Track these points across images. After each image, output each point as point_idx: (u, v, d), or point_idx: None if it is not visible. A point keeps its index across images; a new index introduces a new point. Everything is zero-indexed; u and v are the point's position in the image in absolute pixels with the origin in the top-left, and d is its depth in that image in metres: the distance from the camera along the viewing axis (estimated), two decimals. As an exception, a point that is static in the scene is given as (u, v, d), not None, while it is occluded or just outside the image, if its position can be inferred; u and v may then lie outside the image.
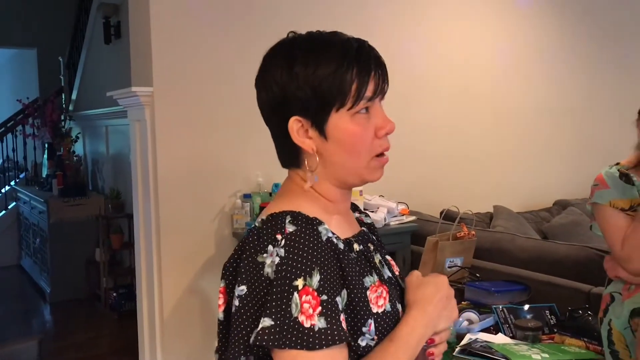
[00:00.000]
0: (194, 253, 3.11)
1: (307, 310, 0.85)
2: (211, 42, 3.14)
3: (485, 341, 2.26)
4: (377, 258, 1.05)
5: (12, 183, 7.23)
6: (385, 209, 3.22)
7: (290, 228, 0.90)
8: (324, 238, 0.91)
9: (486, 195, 4.26)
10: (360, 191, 3.11)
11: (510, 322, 2.43)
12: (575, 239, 3.48)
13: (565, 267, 2.70)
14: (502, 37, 4.46)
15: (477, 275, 2.84)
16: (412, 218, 3.34)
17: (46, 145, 6.22)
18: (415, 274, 1.05)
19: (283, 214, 0.93)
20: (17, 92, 7.70)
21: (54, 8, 7.58)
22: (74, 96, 6.53)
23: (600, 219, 1.95)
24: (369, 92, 0.95)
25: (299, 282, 0.86)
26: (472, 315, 2.54)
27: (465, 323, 2.50)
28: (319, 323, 0.85)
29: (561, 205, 4.48)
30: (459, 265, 2.89)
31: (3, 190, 7.08)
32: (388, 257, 1.11)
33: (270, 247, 0.89)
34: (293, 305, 0.85)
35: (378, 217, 3.14)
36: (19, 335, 4.40)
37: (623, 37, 5.24)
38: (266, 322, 0.85)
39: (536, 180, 4.66)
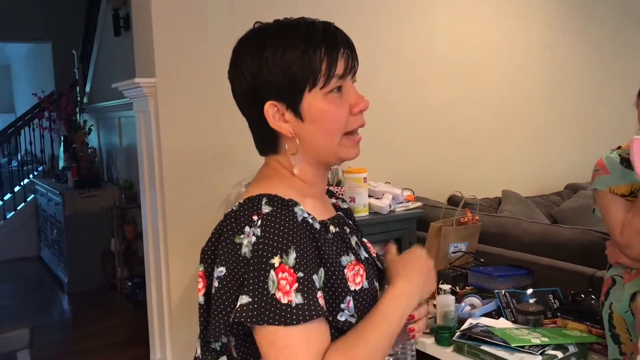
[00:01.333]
0: (200, 242, 3.08)
1: (284, 287, 0.86)
2: (213, 31, 3.14)
3: (486, 326, 2.25)
4: (354, 240, 1.06)
5: (31, 176, 7.36)
6: (390, 195, 3.21)
7: (266, 209, 0.92)
8: (300, 218, 0.93)
9: (497, 180, 4.22)
10: (365, 178, 3.07)
11: (512, 306, 2.42)
12: (585, 223, 3.43)
13: (569, 250, 2.68)
14: (511, 22, 4.40)
15: (482, 260, 2.82)
16: (418, 204, 3.33)
17: (62, 138, 6.30)
18: (394, 250, 1.06)
19: (259, 196, 0.95)
20: (34, 86, 7.78)
21: (67, 1, 7.64)
22: (87, 89, 6.59)
23: (600, 205, 1.93)
24: (339, 70, 0.97)
25: (275, 260, 0.88)
26: (475, 300, 2.54)
27: (468, 308, 2.50)
28: (296, 299, 0.86)
29: (572, 189, 4.43)
30: (463, 250, 2.88)
31: (22, 183, 7.21)
32: (365, 240, 1.13)
33: (247, 228, 0.91)
34: (270, 283, 0.86)
35: (383, 204, 3.13)
36: (41, 325, 4.49)
37: (634, 18, 5.13)
38: (244, 299, 0.87)
39: (548, 164, 4.62)
